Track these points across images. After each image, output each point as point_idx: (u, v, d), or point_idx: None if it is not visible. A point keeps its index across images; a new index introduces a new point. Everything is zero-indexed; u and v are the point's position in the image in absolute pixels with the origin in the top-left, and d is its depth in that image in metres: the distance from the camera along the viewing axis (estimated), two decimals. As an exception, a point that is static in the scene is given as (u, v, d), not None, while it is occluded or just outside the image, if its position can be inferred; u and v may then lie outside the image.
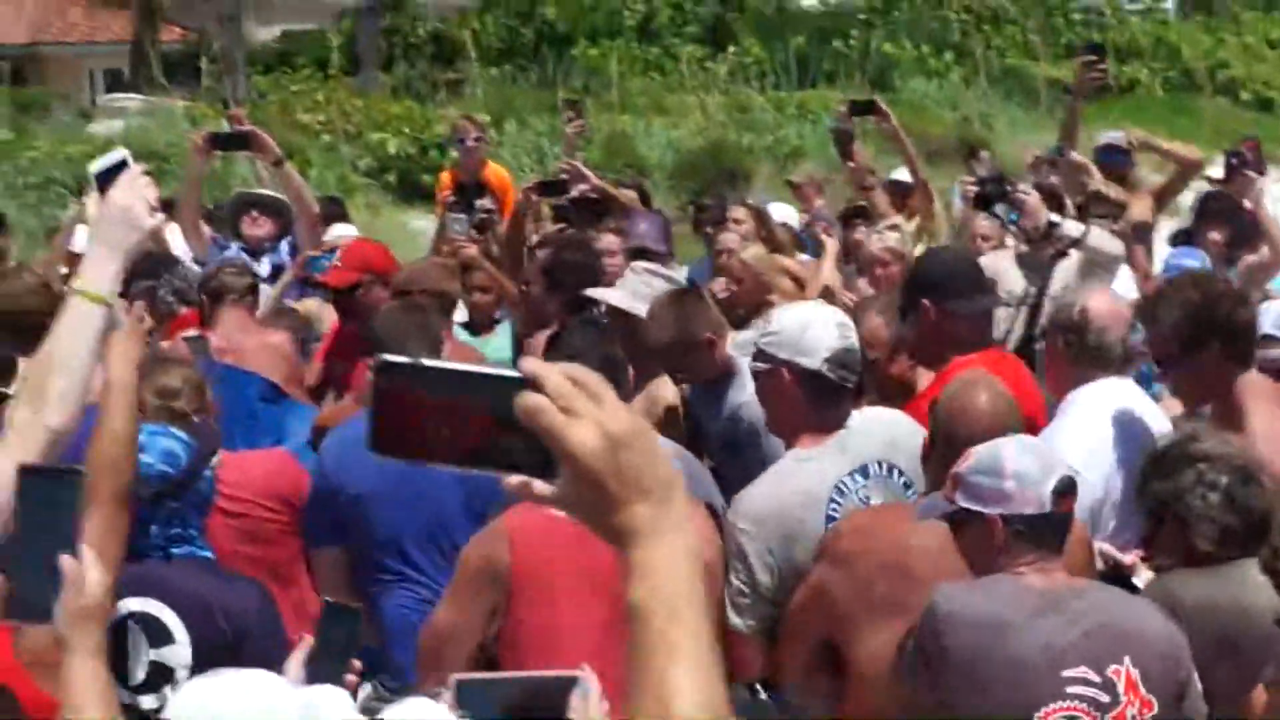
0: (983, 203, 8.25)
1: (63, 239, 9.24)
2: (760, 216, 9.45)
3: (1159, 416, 5.31)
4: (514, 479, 1.84)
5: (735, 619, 4.64)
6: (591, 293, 6.55)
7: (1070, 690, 3.80)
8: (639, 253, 7.69)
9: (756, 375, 5.06)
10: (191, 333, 6.72)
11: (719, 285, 7.92)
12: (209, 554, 4.28)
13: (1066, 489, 4.02)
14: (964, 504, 4.02)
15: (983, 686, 3.83)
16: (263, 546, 5.50)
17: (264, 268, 8.49)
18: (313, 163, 21.85)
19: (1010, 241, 8.17)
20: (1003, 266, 7.42)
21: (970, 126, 26.37)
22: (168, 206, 9.39)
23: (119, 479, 3.78)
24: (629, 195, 9.84)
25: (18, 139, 21.96)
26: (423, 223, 19.36)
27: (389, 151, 22.73)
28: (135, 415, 3.90)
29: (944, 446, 4.46)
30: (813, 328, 4.86)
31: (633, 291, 6.32)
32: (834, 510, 4.74)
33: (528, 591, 4.43)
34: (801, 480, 4.72)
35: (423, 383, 1.83)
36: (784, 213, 10.84)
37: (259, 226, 8.83)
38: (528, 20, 39.17)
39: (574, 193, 9.15)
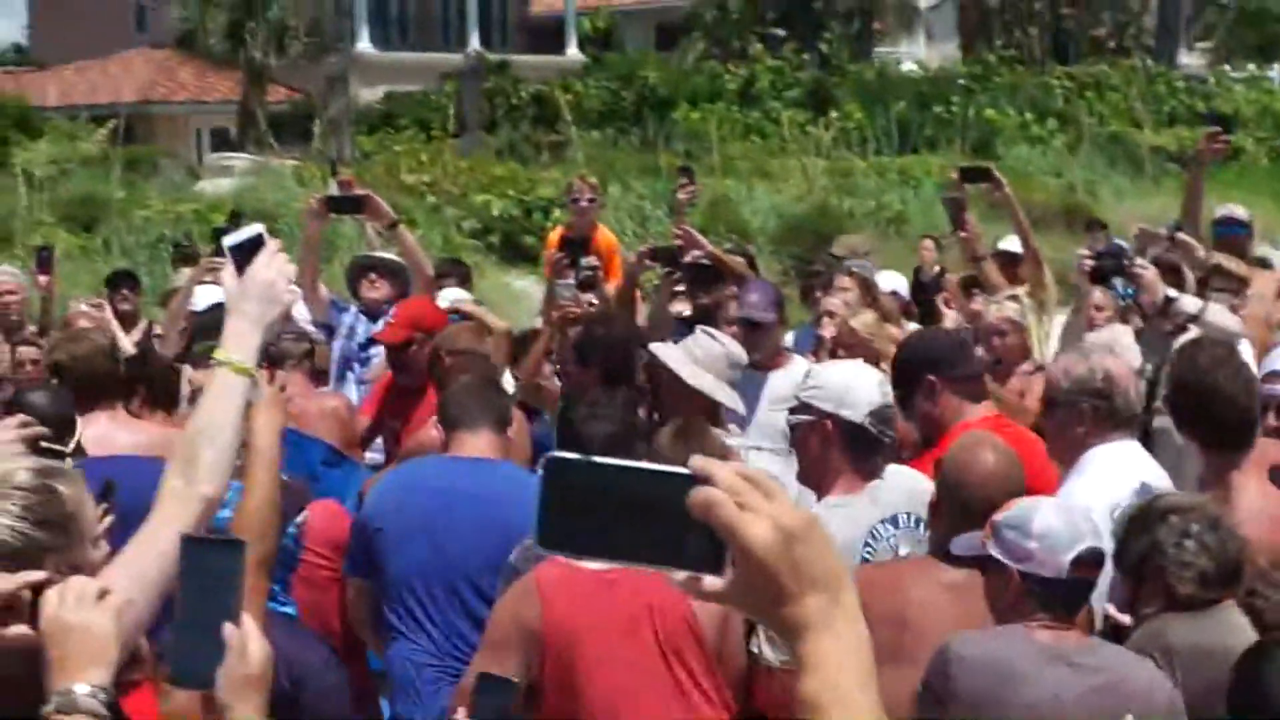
0: (1100, 276, 8.19)
1: (181, 301, 9.35)
2: (865, 284, 9.44)
3: (1164, 478, 5.43)
4: (681, 575, 1.85)
5: (769, 653, 4.72)
6: (653, 348, 6.65)
7: None
8: (746, 322, 7.71)
9: (796, 427, 5.29)
10: None
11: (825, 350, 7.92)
12: (289, 610, 4.33)
13: (1089, 559, 4.17)
14: (992, 550, 4.21)
15: None
16: (314, 591, 5.67)
17: (379, 326, 8.57)
18: (418, 223, 22.05)
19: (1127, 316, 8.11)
20: (1121, 341, 7.36)
21: (1074, 194, 26.26)
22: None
23: (263, 546, 3.85)
24: (739, 262, 9.85)
25: (128, 196, 22.32)
26: (525, 284, 19.51)
27: (493, 213, 22.91)
28: (278, 483, 3.96)
29: (949, 503, 4.67)
30: (857, 383, 5.19)
31: (688, 354, 6.42)
32: (868, 554, 4.99)
33: (559, 644, 4.53)
34: (835, 525, 4.75)
35: (593, 479, 1.85)
36: (892, 281, 10.81)
37: (376, 289, 8.92)
38: (629, 84, 39.47)
39: (686, 259, 9.17)
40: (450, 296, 9.00)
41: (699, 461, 1.84)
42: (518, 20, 53.81)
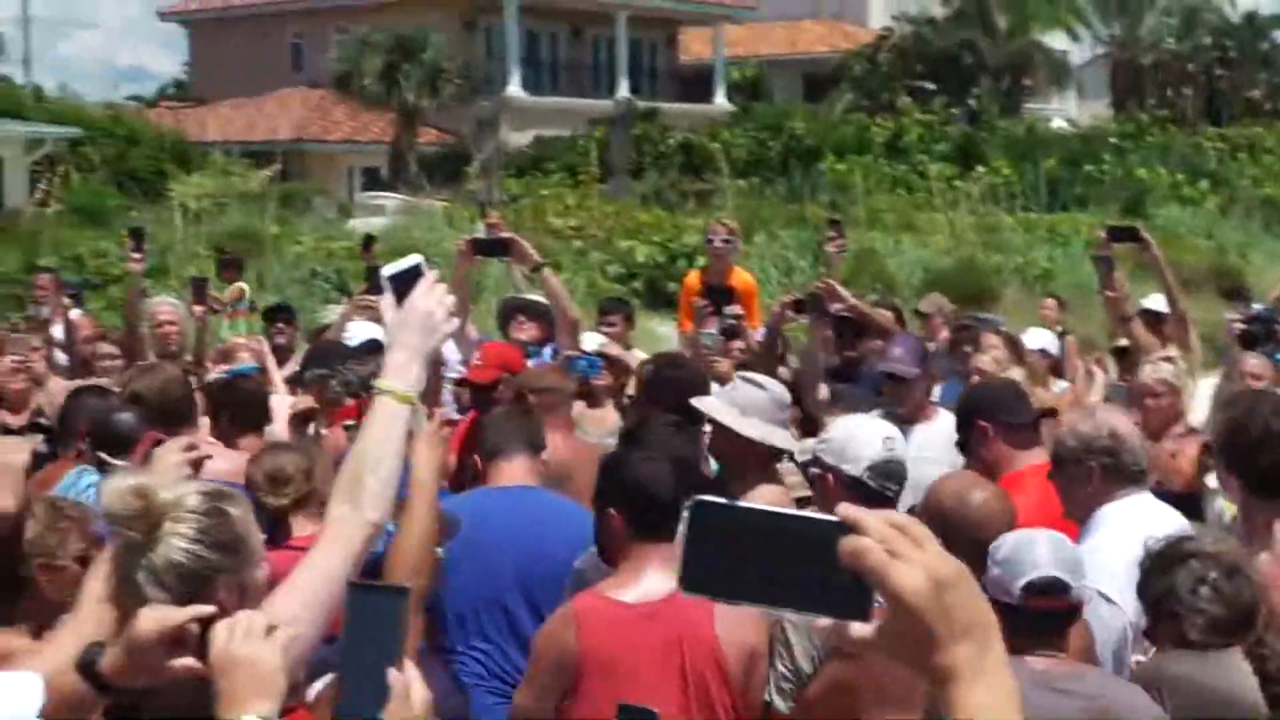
0: (1250, 341, 8.11)
1: (334, 335, 9.50)
2: (1013, 342, 9.39)
3: (1185, 528, 5.37)
4: (825, 621, 1.86)
5: (780, 702, 4.77)
6: (695, 402, 6.67)
7: None
8: (891, 376, 7.72)
9: (812, 481, 5.49)
10: (350, 423, 6.99)
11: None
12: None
13: (1043, 588, 4.25)
14: (990, 591, 4.20)
15: None
16: None
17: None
18: (563, 267, 22.25)
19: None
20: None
21: (1224, 256, 25.86)
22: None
23: (420, 581, 3.91)
24: (885, 316, 9.83)
25: (282, 232, 22.73)
26: (668, 329, 19.56)
27: (637, 258, 23.05)
28: (437, 517, 4.01)
29: (944, 539, 4.69)
30: (857, 438, 5.26)
31: (729, 400, 6.41)
32: None
33: (595, 673, 4.61)
34: None
35: (738, 524, 1.87)
36: (1041, 339, 10.72)
37: (524, 331, 9.01)
38: (776, 134, 39.52)
39: (829, 310, 9.18)
40: (594, 341, 9.06)
41: (848, 510, 1.86)
42: (667, 69, 54.15)
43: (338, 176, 41.83)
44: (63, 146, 32.35)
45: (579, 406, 7.88)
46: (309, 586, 3.23)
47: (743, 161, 35.35)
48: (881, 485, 5.17)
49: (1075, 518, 5.51)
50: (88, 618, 3.26)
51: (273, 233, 22.18)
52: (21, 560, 4.32)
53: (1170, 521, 5.41)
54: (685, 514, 1.89)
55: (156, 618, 2.92)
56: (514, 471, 5.83)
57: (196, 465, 4.08)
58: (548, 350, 8.73)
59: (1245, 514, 5.48)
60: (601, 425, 8.01)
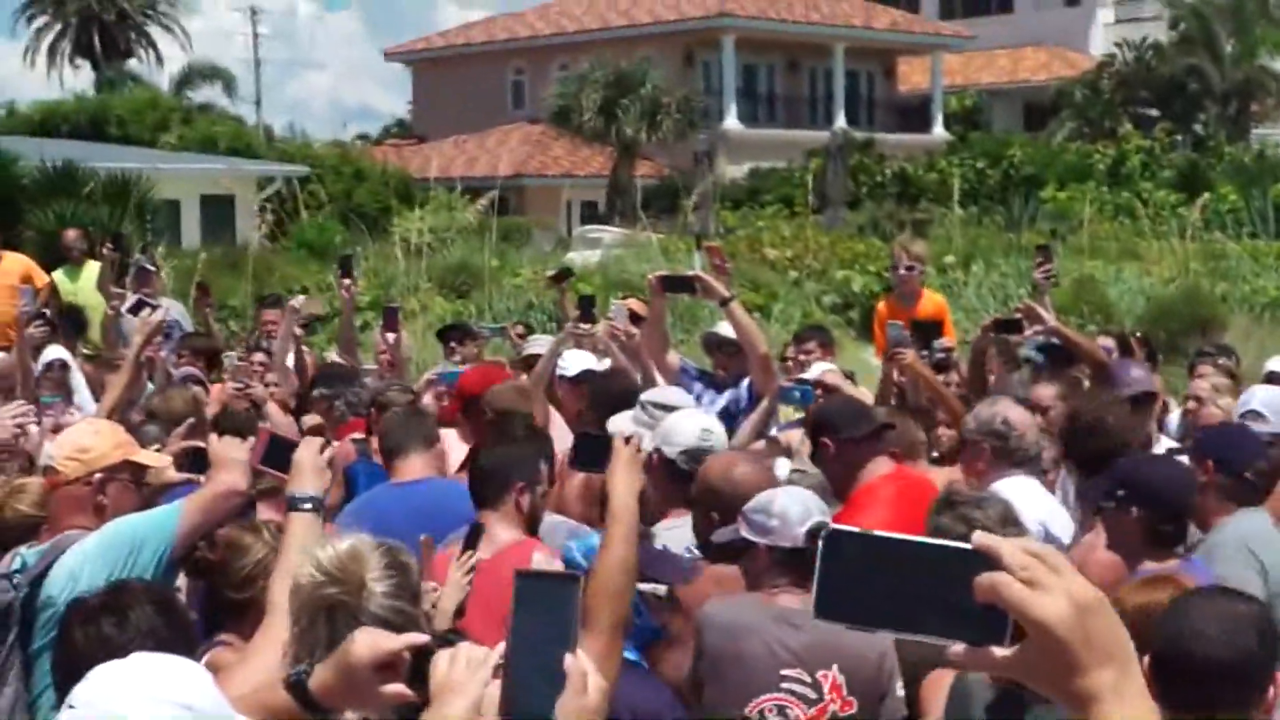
0: None
1: (545, 365, 9.57)
2: (1230, 370, 9.21)
3: (1060, 512, 6.13)
4: (960, 647, 1.87)
5: None
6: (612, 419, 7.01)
7: (784, 685, 4.74)
8: (1137, 399, 7.66)
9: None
10: (358, 436, 7.67)
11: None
12: (630, 655, 4.38)
13: (819, 531, 4.39)
14: (744, 533, 5.02)
15: (720, 675, 4.79)
16: None
17: (720, 402, 8.66)
18: (779, 297, 22.27)
19: None
20: None
21: None
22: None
23: (619, 607, 3.95)
24: (1094, 345, 9.66)
25: (501, 265, 23.08)
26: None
27: (853, 288, 22.97)
28: (636, 544, 4.04)
29: (708, 507, 5.53)
30: (680, 425, 6.15)
31: (634, 419, 6.88)
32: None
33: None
34: (667, 541, 5.63)
35: (872, 552, 1.88)
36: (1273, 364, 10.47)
37: (720, 364, 9.05)
38: (995, 163, 39.15)
39: (1028, 333, 9.06)
40: (819, 369, 9.02)
41: (982, 539, 1.87)
42: (884, 99, 53.95)
43: (556, 210, 42.36)
44: (291, 184, 33.27)
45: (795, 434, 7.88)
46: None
47: (962, 191, 34.98)
48: (692, 467, 5.85)
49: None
50: (281, 630, 3.38)
51: (493, 265, 22.52)
52: (247, 580, 4.46)
53: (1047, 507, 6.10)
54: (820, 542, 1.92)
55: (371, 643, 2.98)
56: (413, 467, 6.34)
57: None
58: (744, 383, 8.68)
59: (1079, 495, 6.24)
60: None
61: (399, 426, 6.63)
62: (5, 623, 4.74)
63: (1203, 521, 5.78)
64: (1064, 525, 6.11)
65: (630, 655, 4.43)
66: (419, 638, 2.97)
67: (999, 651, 1.87)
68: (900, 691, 4.84)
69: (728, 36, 47.90)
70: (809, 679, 4.74)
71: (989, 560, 1.86)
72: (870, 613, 1.89)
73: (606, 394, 7.88)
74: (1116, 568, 5.11)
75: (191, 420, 6.75)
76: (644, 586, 4.42)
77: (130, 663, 2.63)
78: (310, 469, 4.19)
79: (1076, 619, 1.85)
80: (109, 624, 3.69)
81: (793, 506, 5.01)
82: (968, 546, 1.86)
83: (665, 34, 48.60)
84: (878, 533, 1.91)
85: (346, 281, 10.06)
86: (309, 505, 4.12)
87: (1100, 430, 6.23)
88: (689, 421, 6.25)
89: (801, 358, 9.52)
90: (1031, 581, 1.85)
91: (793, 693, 4.74)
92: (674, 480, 5.96)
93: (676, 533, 5.78)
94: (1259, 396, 7.33)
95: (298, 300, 10.59)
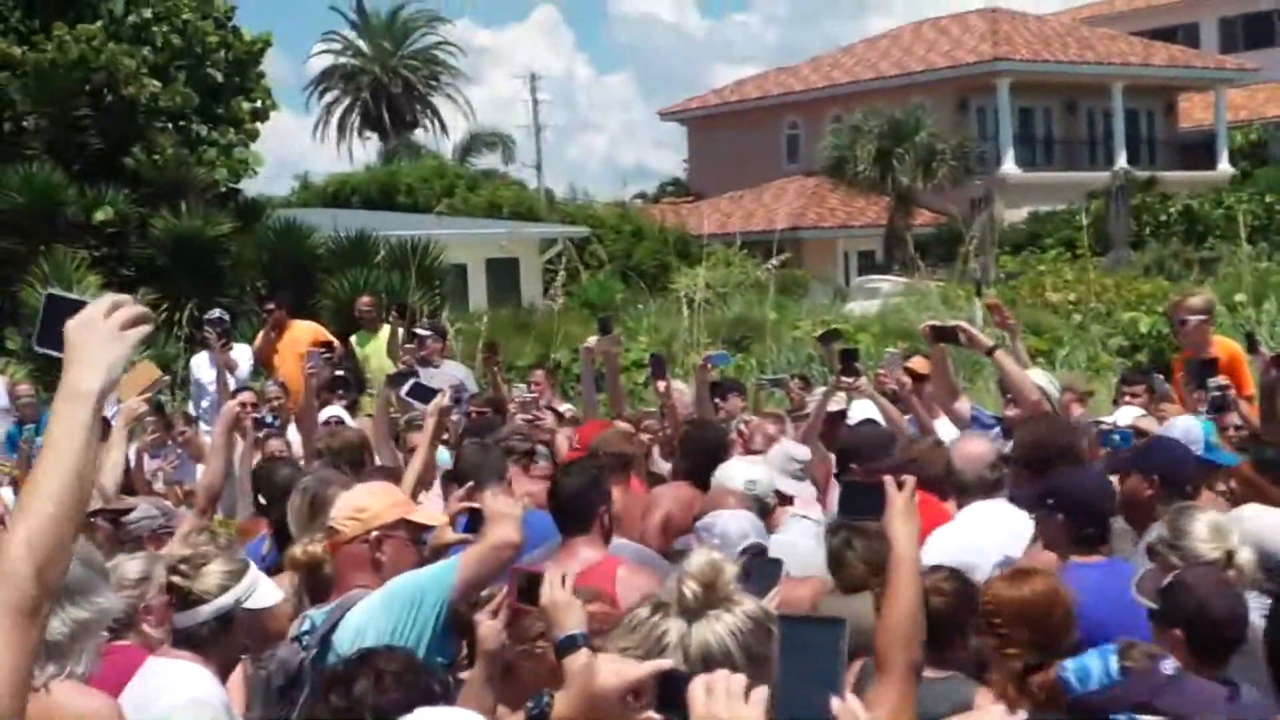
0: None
1: (815, 416, 9.61)
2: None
3: (1016, 538, 6.38)
4: None
5: None
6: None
7: None
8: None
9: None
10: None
11: None
12: None
13: (751, 552, 5.86)
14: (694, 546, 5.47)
15: None
16: None
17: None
18: (1063, 342, 21.96)
19: None
20: None
21: None
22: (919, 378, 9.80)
23: (911, 652, 3.99)
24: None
25: (780, 317, 23.20)
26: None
27: (1140, 330, 22.52)
28: (921, 592, 4.07)
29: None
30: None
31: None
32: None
33: None
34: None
35: None
36: None
37: (1009, 408, 9.03)
38: (1285, 197, 38.04)
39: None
40: (1129, 414, 8.94)
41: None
42: (1166, 137, 52.79)
43: (833, 261, 42.39)
44: (572, 244, 33.98)
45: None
46: None
47: (1249, 226, 34.01)
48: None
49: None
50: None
51: (771, 319, 22.65)
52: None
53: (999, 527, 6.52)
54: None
55: (617, 670, 2.97)
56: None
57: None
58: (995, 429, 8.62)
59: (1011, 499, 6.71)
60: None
61: (475, 458, 7.36)
62: (297, 682, 4.94)
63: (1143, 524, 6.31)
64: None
65: None
66: (664, 664, 2.92)
67: None
68: None
69: (1002, 80, 47.43)
70: None
71: None
72: None
73: (699, 443, 8.30)
74: (1053, 563, 5.70)
75: (471, 484, 6.97)
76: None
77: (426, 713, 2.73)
78: (564, 605, 4.01)
79: None
80: (361, 686, 3.85)
81: (731, 528, 6.03)
82: None
83: (938, 81, 48.33)
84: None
85: (603, 339, 10.40)
86: (582, 641, 3.95)
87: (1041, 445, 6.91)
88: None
89: (1129, 400, 9.44)
90: None
91: None
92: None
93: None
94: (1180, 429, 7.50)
95: (591, 341, 11.01)
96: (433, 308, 20.54)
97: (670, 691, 2.82)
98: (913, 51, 51.20)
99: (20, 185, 20.67)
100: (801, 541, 6.80)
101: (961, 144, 41.52)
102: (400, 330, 13.30)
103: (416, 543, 5.22)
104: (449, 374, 11.97)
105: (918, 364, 10.11)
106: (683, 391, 10.75)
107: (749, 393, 11.79)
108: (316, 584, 5.50)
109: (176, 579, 4.80)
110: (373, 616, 4.70)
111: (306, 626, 5.02)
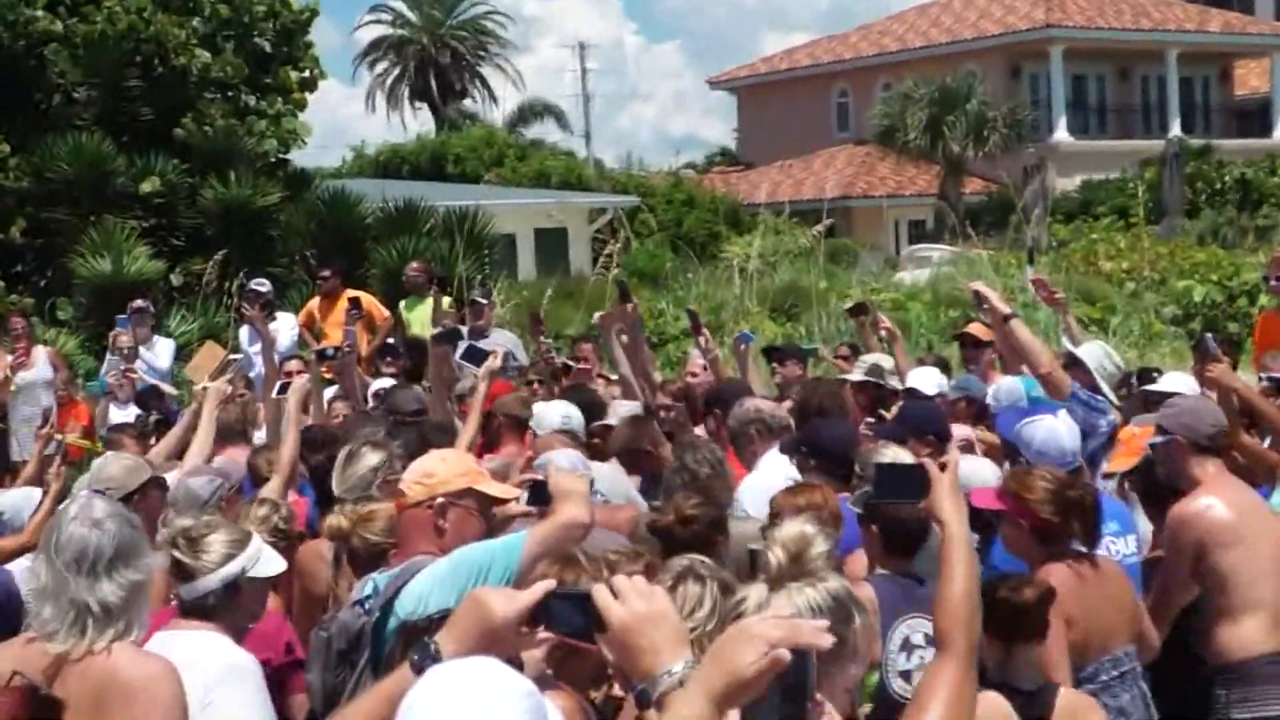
0: None
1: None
2: None
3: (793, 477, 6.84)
4: None
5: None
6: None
7: None
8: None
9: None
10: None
11: None
12: None
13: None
14: None
15: None
16: None
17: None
18: (1116, 310, 21.79)
19: None
20: None
21: None
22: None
23: (972, 634, 3.88)
24: None
25: (829, 286, 23.09)
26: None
27: (1194, 299, 22.33)
28: (976, 578, 3.97)
29: None
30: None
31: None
32: None
33: None
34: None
35: None
36: None
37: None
38: (1345, 163, 37.65)
39: None
40: (1175, 380, 8.81)
41: None
42: (1220, 104, 52.31)
43: (883, 230, 42.20)
44: (621, 213, 33.90)
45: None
46: None
47: (1305, 194, 33.74)
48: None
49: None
50: None
51: (821, 287, 22.54)
52: None
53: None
54: None
55: (508, 596, 3.00)
56: None
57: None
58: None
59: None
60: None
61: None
62: (358, 646, 4.95)
63: None
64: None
65: None
66: (549, 584, 2.98)
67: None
68: None
69: (1055, 47, 47.09)
70: None
71: None
72: None
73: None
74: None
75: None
76: None
77: (466, 663, 2.70)
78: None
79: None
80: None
81: (564, 463, 6.33)
82: None
83: (990, 48, 48.02)
84: None
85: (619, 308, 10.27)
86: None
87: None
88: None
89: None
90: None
91: None
92: None
93: None
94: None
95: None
96: (481, 276, 20.53)
97: (567, 609, 2.88)
98: (964, 18, 50.86)
99: (70, 156, 20.70)
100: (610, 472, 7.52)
101: (1013, 111, 41.24)
102: (445, 299, 13.34)
103: (485, 514, 5.11)
104: (497, 341, 11.95)
105: (978, 329, 10.01)
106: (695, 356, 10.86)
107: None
108: (351, 553, 5.60)
109: (178, 552, 4.80)
110: (437, 583, 4.62)
111: (369, 590, 5.01)
